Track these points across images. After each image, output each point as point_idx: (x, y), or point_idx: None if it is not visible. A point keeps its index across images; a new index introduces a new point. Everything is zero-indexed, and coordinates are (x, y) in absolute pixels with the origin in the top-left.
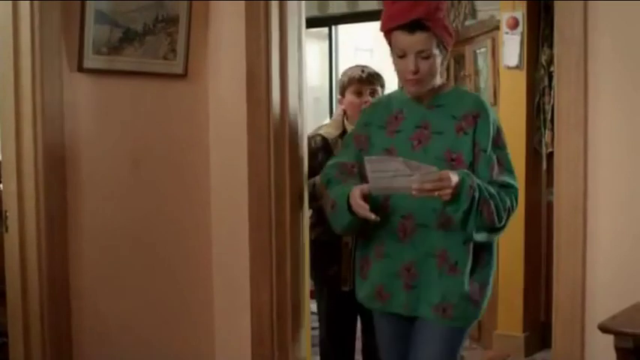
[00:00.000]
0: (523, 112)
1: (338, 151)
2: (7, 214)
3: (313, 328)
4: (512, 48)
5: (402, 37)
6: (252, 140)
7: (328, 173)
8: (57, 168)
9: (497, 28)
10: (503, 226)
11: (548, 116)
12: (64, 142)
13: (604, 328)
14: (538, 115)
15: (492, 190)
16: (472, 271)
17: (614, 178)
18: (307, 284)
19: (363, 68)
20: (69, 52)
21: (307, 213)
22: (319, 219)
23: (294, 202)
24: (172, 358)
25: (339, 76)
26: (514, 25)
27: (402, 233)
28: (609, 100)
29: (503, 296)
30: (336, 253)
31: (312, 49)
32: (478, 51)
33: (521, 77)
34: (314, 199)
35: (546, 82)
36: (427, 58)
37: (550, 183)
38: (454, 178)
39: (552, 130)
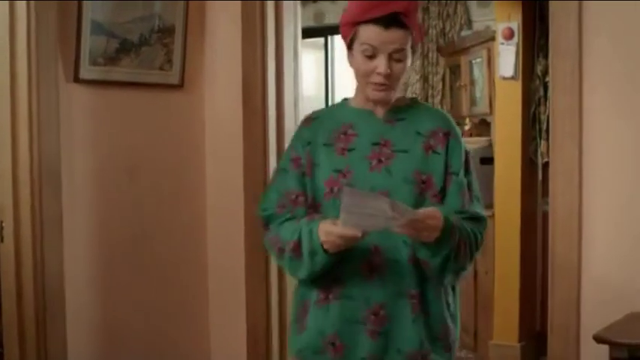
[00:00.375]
0: (519, 122)
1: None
2: (3, 224)
3: None
4: (507, 58)
5: (376, 33)
6: (248, 150)
7: (267, 208)
8: (52, 177)
9: (493, 38)
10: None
11: (544, 126)
12: (60, 152)
13: (599, 339)
14: (534, 125)
15: (467, 227)
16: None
17: (608, 188)
18: None
19: None
20: (65, 62)
21: None
22: None
23: None
24: None
25: (335, 87)
26: (509, 35)
27: (367, 270)
28: (604, 111)
29: (499, 306)
30: None
31: (307, 59)
32: (474, 61)
33: (517, 87)
34: None
35: (542, 93)
36: (400, 60)
37: (546, 193)
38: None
39: (548, 140)
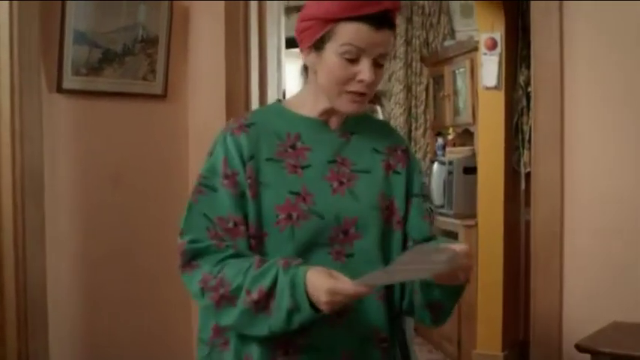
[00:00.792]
0: (501, 132)
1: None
2: None
3: None
4: (490, 68)
5: (363, 32)
6: None
7: (197, 238)
8: (35, 187)
9: (476, 48)
10: None
11: (527, 136)
12: (43, 162)
13: (581, 348)
14: (516, 135)
15: None
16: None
17: (590, 198)
18: None
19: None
20: (48, 72)
21: None
22: None
23: None
24: None
25: None
26: (492, 45)
27: (334, 314)
28: (585, 121)
29: (483, 315)
30: None
31: (291, 69)
32: (457, 71)
33: (500, 97)
34: None
35: (524, 103)
36: (381, 66)
37: (529, 202)
38: None
39: (530, 149)
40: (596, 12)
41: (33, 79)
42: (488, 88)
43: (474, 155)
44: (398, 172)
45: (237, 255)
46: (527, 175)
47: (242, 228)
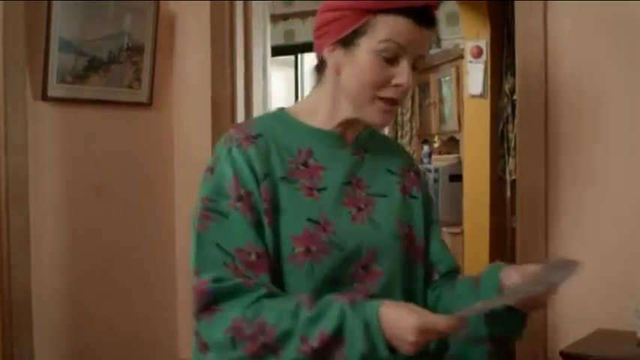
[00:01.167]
0: (487, 140)
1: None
2: None
3: None
4: (476, 76)
5: (406, 29)
6: None
7: (220, 276)
8: (20, 195)
9: (462, 56)
10: None
11: (512, 144)
12: (28, 170)
13: (566, 355)
14: (502, 143)
15: None
16: None
17: (575, 206)
18: None
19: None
20: (33, 80)
21: None
22: None
23: None
24: None
25: None
26: (478, 54)
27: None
28: (569, 130)
29: None
30: None
31: (278, 77)
32: (443, 79)
33: (485, 105)
34: None
35: (509, 111)
36: (414, 70)
37: (514, 210)
38: None
39: (516, 157)
40: (581, 18)
41: (18, 86)
42: (473, 96)
43: (459, 163)
44: (414, 197)
45: (271, 294)
46: (513, 182)
47: (265, 261)
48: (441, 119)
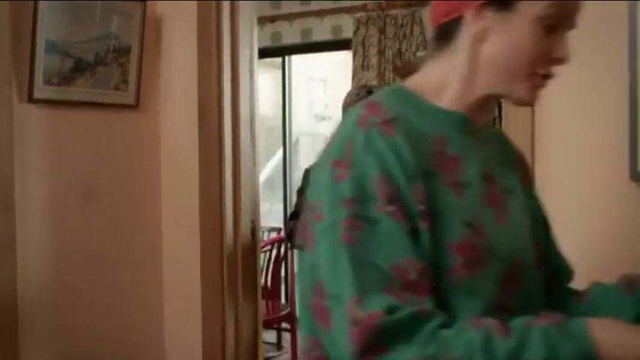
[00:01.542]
0: None
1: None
2: None
3: (266, 359)
4: None
5: None
6: (204, 172)
7: (391, 304)
8: (5, 199)
9: None
10: None
11: None
12: (14, 173)
13: None
14: None
15: None
16: None
17: (561, 204)
18: (260, 315)
19: (371, 87)
20: (19, 82)
21: (259, 244)
22: None
23: (246, 233)
24: None
25: (292, 106)
26: None
27: None
28: (556, 128)
29: None
30: None
31: (265, 78)
32: None
33: None
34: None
35: (496, 112)
36: None
37: None
38: None
39: None
40: None
41: (3, 88)
42: None
43: None
44: (531, 196)
45: (446, 324)
46: None
47: (426, 280)
48: None
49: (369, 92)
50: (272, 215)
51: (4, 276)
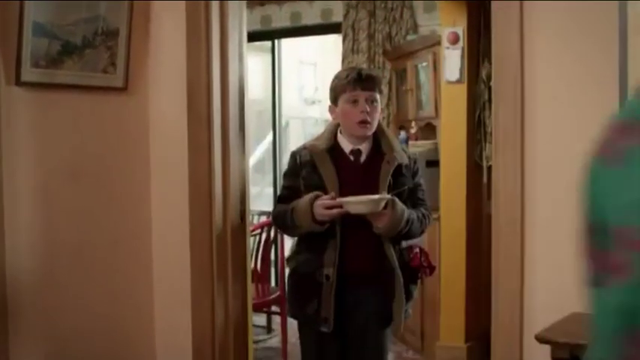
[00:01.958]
0: (464, 126)
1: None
2: None
3: (256, 342)
4: (453, 62)
5: None
6: (193, 154)
7: None
8: None
9: (439, 43)
10: None
11: (489, 130)
12: (1, 155)
13: (541, 339)
14: (479, 129)
15: None
16: None
17: (550, 191)
18: (250, 298)
19: (360, 69)
20: (6, 65)
21: (249, 225)
22: (301, 247)
23: (235, 217)
24: None
25: (282, 89)
26: (455, 40)
27: None
28: (545, 115)
29: (446, 307)
30: (315, 287)
31: (255, 62)
32: (420, 65)
33: (462, 91)
34: (292, 225)
35: (486, 97)
36: None
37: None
38: None
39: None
40: (556, 7)
41: None
42: (450, 82)
43: (436, 149)
44: None
45: None
46: (489, 168)
47: None
48: (418, 105)
49: (359, 74)
50: (262, 199)
51: None
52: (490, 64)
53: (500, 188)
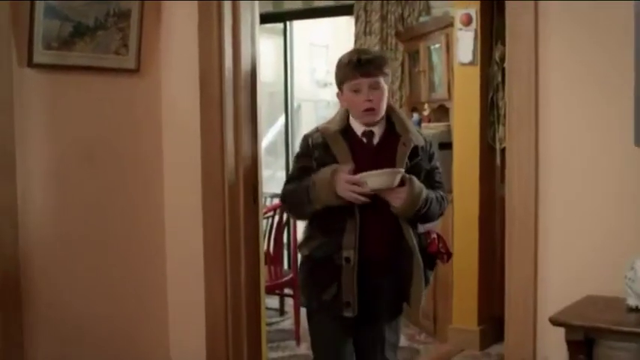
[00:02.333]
0: (477, 108)
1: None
2: None
3: (268, 324)
4: (466, 44)
5: None
6: (205, 137)
7: None
8: (7, 163)
9: (451, 24)
10: None
11: (502, 112)
12: (14, 137)
13: (555, 321)
14: (492, 111)
15: None
16: None
17: (564, 173)
18: (263, 280)
19: (359, 54)
20: (19, 47)
21: (262, 208)
22: (313, 231)
23: (248, 197)
24: (126, 357)
25: (294, 72)
26: (468, 21)
27: None
28: (560, 97)
29: (458, 290)
30: (334, 271)
31: (267, 44)
32: (432, 47)
33: (475, 73)
34: (308, 200)
35: (499, 79)
36: None
37: (504, 178)
38: None
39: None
40: None
41: (3, 53)
42: (463, 64)
43: (449, 131)
44: None
45: None
46: (503, 150)
47: None
48: (431, 87)
49: (358, 60)
50: (274, 181)
51: (7, 239)
52: (503, 45)
53: (514, 170)
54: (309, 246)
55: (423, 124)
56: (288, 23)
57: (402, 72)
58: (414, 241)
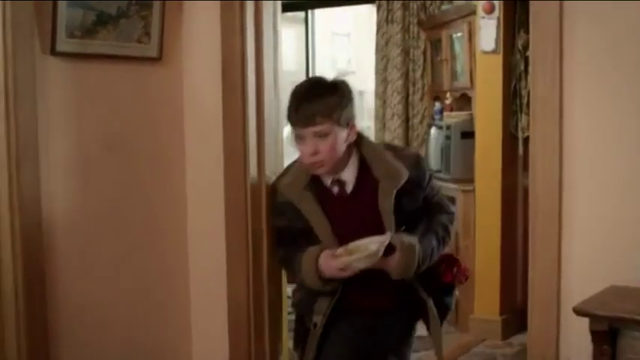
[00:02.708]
0: (499, 97)
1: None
2: None
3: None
4: (488, 32)
5: None
6: (227, 125)
7: None
8: (30, 151)
9: (474, 12)
10: None
11: (525, 100)
12: (37, 125)
13: (579, 311)
14: (514, 100)
15: None
16: None
17: (589, 162)
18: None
19: (299, 100)
20: (42, 35)
21: None
22: (301, 284)
23: (270, 189)
24: (148, 349)
25: (315, 61)
26: (490, 9)
27: None
28: (584, 86)
29: (480, 280)
30: (304, 332)
31: (288, 33)
32: (455, 35)
33: (498, 62)
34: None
35: (522, 67)
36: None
37: (527, 167)
38: None
39: (528, 114)
40: None
41: (27, 41)
42: (486, 52)
43: (471, 120)
44: None
45: None
46: (525, 139)
47: None
48: (453, 76)
49: (296, 109)
50: None
51: (30, 230)
52: (526, 33)
53: (538, 160)
54: (294, 297)
55: (445, 113)
56: (309, 12)
57: (424, 60)
58: (421, 288)
